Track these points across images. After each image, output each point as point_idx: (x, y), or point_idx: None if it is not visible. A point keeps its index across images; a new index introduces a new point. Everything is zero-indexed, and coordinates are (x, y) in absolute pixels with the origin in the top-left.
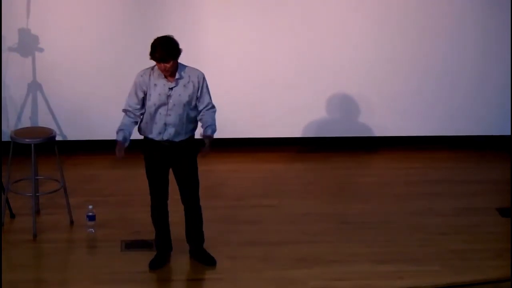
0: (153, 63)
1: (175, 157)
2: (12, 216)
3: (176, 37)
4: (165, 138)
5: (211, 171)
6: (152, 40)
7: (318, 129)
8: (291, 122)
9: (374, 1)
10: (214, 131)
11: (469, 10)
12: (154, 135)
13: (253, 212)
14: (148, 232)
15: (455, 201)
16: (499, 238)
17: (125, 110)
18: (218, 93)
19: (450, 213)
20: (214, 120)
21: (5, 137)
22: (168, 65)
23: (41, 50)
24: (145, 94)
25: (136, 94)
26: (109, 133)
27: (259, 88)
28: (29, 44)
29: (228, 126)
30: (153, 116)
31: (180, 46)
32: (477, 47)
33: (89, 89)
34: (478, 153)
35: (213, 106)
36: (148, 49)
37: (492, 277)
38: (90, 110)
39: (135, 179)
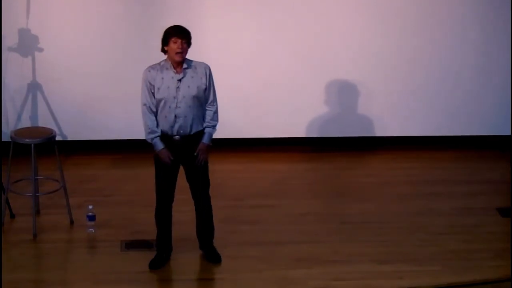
0: (159, 59)
1: (187, 152)
2: (12, 216)
3: None
4: (175, 130)
5: (211, 171)
6: (151, 41)
7: (318, 129)
8: (291, 122)
9: (375, 2)
10: (210, 135)
11: (469, 10)
12: (165, 128)
13: (253, 212)
14: (148, 232)
15: (455, 201)
16: (499, 238)
17: (145, 105)
18: (218, 93)
19: (450, 213)
20: (214, 120)
21: (5, 137)
22: (184, 46)
23: (41, 50)
24: (153, 89)
25: (148, 89)
26: (109, 133)
27: (259, 88)
28: (29, 44)
29: (228, 126)
30: (163, 109)
31: None
32: (477, 47)
33: (89, 89)
34: (478, 153)
35: (214, 102)
36: (148, 49)
37: (492, 277)
38: (90, 110)
39: (135, 179)
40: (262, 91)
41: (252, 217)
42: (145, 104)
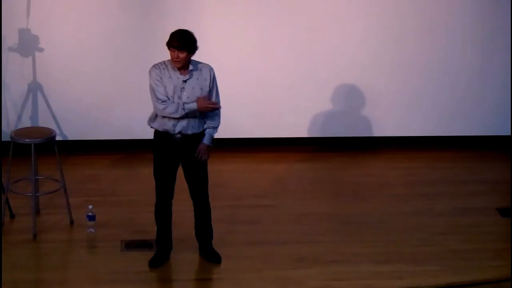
0: (159, 59)
1: (186, 151)
2: (12, 216)
3: None
4: (177, 130)
5: (211, 171)
6: (151, 41)
7: (318, 129)
8: (291, 122)
9: (374, 2)
10: (210, 136)
11: (469, 10)
12: (167, 126)
13: (253, 212)
14: (148, 232)
15: (455, 201)
16: (499, 238)
17: (159, 99)
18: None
19: (450, 213)
20: (215, 121)
21: (5, 137)
22: (181, 56)
23: (41, 50)
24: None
25: (159, 84)
26: (109, 133)
27: (258, 88)
28: (29, 44)
29: (228, 126)
30: None
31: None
32: (477, 47)
33: (89, 89)
34: (478, 153)
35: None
36: (148, 49)
37: (492, 277)
38: (90, 110)
39: (135, 179)
40: (262, 91)
41: (252, 217)
42: (158, 99)
